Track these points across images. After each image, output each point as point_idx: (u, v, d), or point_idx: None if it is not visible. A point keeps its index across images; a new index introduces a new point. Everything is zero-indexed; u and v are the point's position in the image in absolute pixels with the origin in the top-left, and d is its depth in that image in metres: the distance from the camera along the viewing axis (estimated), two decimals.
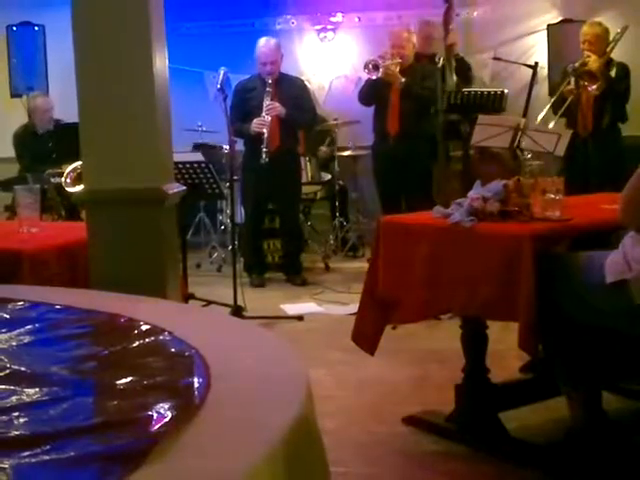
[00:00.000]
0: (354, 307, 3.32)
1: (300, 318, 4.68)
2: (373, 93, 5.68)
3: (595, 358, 2.62)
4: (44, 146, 6.08)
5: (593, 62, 5.23)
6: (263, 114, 5.48)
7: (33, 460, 0.97)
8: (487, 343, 2.88)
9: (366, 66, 5.56)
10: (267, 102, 5.50)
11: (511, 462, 2.67)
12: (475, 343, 2.88)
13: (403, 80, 5.52)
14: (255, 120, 5.49)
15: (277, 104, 5.53)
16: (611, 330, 2.50)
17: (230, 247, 5.82)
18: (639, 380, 3.14)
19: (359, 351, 3.07)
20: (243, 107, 5.62)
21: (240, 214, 6.02)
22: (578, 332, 2.55)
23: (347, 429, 3.00)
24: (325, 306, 5.01)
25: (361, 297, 3.04)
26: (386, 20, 7.01)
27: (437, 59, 6.07)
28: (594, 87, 5.20)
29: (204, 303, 4.72)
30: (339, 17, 7.26)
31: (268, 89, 5.53)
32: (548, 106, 5.36)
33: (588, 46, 5.32)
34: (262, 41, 5.74)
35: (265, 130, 5.43)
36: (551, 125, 5.17)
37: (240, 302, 4.64)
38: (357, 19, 7.24)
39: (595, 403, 2.64)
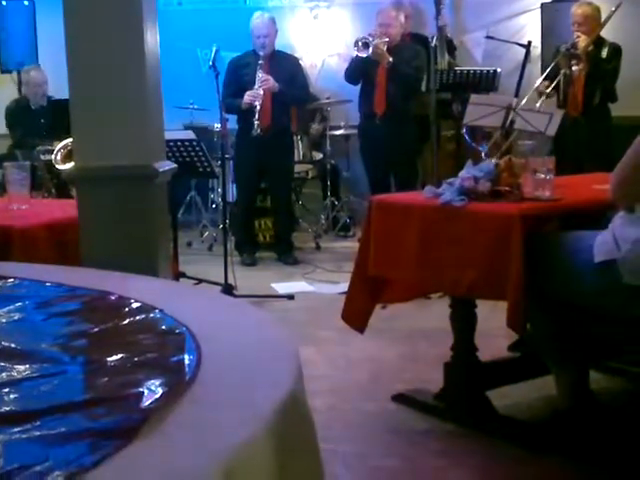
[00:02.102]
0: (345, 286, 3.33)
1: (291, 297, 4.69)
2: (360, 71, 5.66)
3: (583, 337, 2.65)
4: (36, 121, 6.05)
5: (582, 42, 5.23)
6: (256, 87, 5.47)
7: (23, 436, 0.98)
8: (476, 322, 2.90)
9: (356, 44, 5.53)
10: (260, 75, 5.49)
11: (499, 439, 2.70)
12: (464, 322, 2.90)
13: (391, 59, 5.50)
14: (247, 92, 5.47)
15: (270, 78, 5.51)
16: (599, 309, 2.51)
17: (221, 226, 5.81)
18: (625, 359, 3.17)
19: (349, 330, 3.08)
20: (236, 83, 5.60)
21: (231, 193, 6.01)
22: (566, 311, 2.57)
23: (337, 407, 3.02)
24: (316, 285, 5.02)
25: (351, 276, 3.05)
26: None
27: (430, 39, 6.05)
28: (579, 67, 5.22)
29: (195, 282, 4.73)
30: None
31: (261, 62, 5.52)
32: (531, 90, 5.35)
33: (577, 27, 5.32)
34: (257, 14, 5.75)
35: (257, 103, 5.42)
36: (538, 104, 5.17)
37: (231, 281, 4.65)
38: None
39: (582, 381, 2.66)
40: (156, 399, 1.08)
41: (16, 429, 0.99)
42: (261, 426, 1.03)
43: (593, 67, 5.27)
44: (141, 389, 1.11)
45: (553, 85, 5.25)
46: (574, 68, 5.23)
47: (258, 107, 5.42)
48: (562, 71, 5.26)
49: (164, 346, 1.31)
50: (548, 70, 5.27)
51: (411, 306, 3.80)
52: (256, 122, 5.40)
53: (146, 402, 1.07)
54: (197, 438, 0.99)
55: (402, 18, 5.77)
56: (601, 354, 3.04)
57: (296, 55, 6.41)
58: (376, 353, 3.62)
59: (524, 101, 5.17)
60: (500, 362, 3.13)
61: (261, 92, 5.46)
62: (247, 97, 5.47)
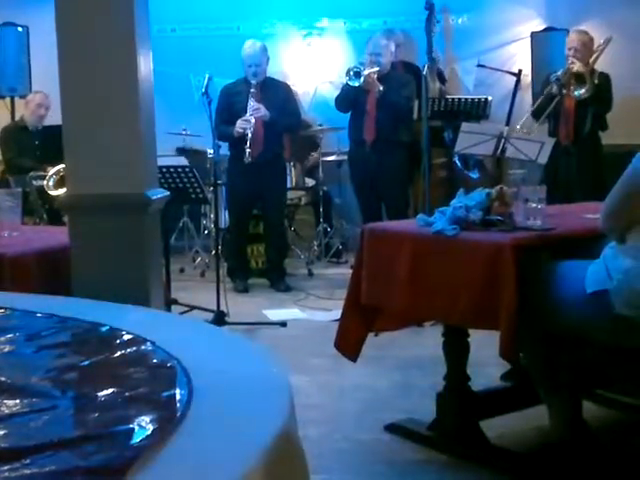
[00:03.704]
0: (337, 313, 3.32)
1: (283, 324, 4.67)
2: (350, 99, 5.69)
3: (575, 367, 2.64)
4: (30, 142, 6.07)
5: (578, 68, 5.26)
6: (247, 115, 5.49)
7: (13, 474, 0.96)
8: (468, 351, 2.89)
9: (348, 73, 5.57)
10: (252, 103, 5.51)
11: (492, 470, 2.68)
12: (457, 351, 2.89)
13: (381, 88, 5.54)
14: (239, 121, 5.50)
15: (262, 106, 5.54)
16: (591, 339, 2.51)
17: (214, 252, 5.80)
18: (617, 388, 3.16)
19: (342, 358, 3.07)
20: (229, 111, 5.62)
21: (224, 219, 6.01)
22: (559, 341, 2.56)
23: (329, 436, 3.00)
24: (308, 312, 5.00)
25: (344, 304, 3.05)
26: (372, 26, 7.03)
27: (422, 67, 6.11)
28: (582, 91, 5.21)
29: (187, 309, 4.71)
30: (325, 22, 7.27)
31: (253, 90, 5.55)
32: (527, 114, 5.39)
33: (574, 53, 5.36)
34: (248, 43, 5.77)
35: (249, 131, 5.44)
36: (534, 132, 5.20)
37: (223, 308, 4.63)
38: (343, 24, 7.25)
39: (575, 412, 2.65)
40: (147, 436, 1.07)
41: (5, 467, 0.98)
42: (253, 462, 1.03)
43: (592, 95, 5.28)
44: (132, 425, 1.10)
45: (547, 113, 5.28)
46: (577, 93, 5.21)
47: (250, 135, 5.45)
48: (557, 97, 5.28)
49: (155, 380, 1.30)
50: (540, 99, 5.30)
51: (404, 334, 3.79)
52: (247, 150, 5.42)
53: (137, 439, 1.06)
54: (188, 475, 0.98)
55: (392, 47, 5.82)
56: (593, 384, 3.04)
57: (289, 82, 6.44)
58: (369, 382, 3.60)
59: (522, 122, 5.19)
60: (493, 392, 3.12)
61: (252, 120, 5.49)
62: (238, 126, 5.50)
